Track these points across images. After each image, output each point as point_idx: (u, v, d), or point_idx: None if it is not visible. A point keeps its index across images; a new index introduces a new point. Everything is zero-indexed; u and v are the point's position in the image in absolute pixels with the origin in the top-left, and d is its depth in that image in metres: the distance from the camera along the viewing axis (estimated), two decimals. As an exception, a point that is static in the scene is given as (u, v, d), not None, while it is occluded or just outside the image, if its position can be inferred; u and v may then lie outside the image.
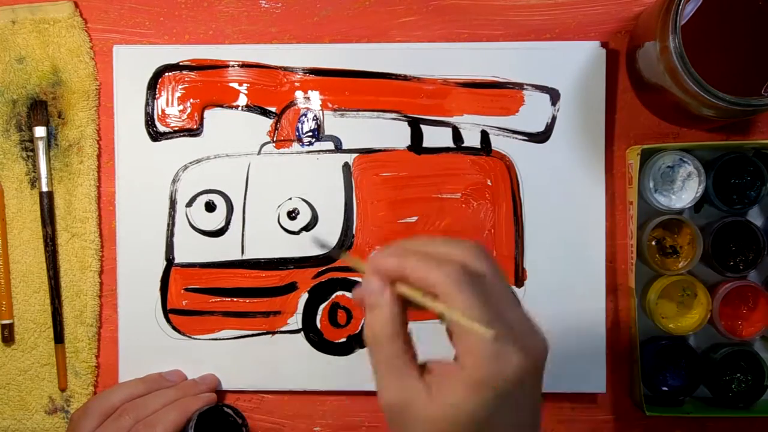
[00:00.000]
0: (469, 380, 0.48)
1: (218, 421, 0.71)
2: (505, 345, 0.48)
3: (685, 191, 0.71)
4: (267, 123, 0.74)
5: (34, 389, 0.76)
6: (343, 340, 0.74)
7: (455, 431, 0.49)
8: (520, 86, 0.74)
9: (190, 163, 0.75)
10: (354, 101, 0.74)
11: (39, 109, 0.74)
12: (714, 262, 0.71)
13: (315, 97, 0.74)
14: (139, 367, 0.75)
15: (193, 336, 0.75)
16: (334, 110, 0.74)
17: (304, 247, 0.74)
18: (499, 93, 0.74)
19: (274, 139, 0.74)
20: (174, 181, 0.75)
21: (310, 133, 0.74)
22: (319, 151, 0.74)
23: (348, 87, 0.74)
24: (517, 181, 0.73)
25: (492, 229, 0.74)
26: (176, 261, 0.75)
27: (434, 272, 0.49)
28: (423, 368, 0.51)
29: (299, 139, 0.74)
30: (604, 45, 0.73)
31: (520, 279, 0.74)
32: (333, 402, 0.76)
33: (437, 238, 0.54)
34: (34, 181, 0.75)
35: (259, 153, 0.74)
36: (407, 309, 0.52)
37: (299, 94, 0.74)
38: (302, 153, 0.74)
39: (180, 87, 0.74)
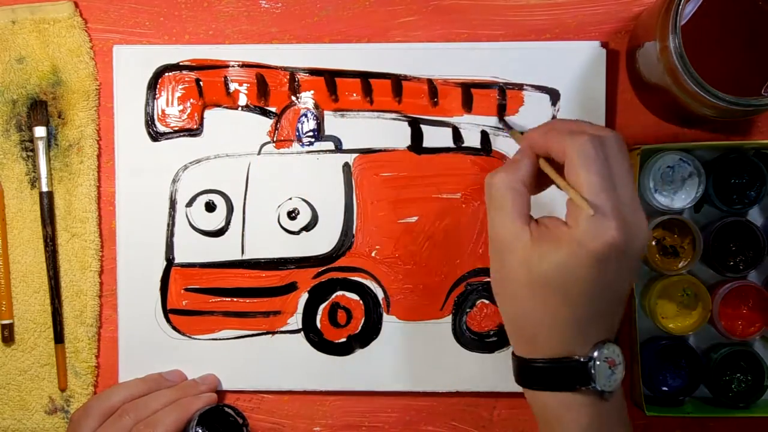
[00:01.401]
0: (567, 238, 0.55)
1: (219, 421, 0.71)
2: (607, 217, 0.55)
3: (685, 191, 0.71)
4: (267, 123, 0.74)
5: (34, 389, 0.76)
6: (343, 340, 0.74)
7: (552, 277, 0.56)
8: (519, 86, 0.73)
9: (190, 163, 0.75)
10: (354, 101, 0.74)
11: (39, 109, 0.75)
12: (714, 262, 0.71)
13: (315, 97, 0.74)
14: (139, 367, 0.75)
15: (193, 336, 0.75)
16: (334, 110, 0.74)
17: (304, 247, 0.74)
18: (499, 93, 0.73)
19: (274, 139, 0.74)
20: (174, 181, 0.75)
21: (310, 133, 0.74)
22: (319, 151, 0.74)
23: (348, 87, 0.74)
24: (518, 181, 0.74)
25: (492, 229, 0.74)
26: (176, 261, 0.75)
27: (567, 142, 0.56)
28: (536, 222, 0.58)
29: (299, 139, 0.74)
30: (604, 45, 0.73)
31: (520, 279, 0.74)
32: (333, 402, 0.76)
33: (584, 121, 0.62)
34: (34, 181, 0.75)
35: (259, 153, 0.74)
36: (539, 186, 0.62)
37: (299, 94, 0.74)
38: (302, 153, 0.74)
39: (180, 87, 0.74)
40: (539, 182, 0.61)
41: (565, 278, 0.56)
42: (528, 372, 0.60)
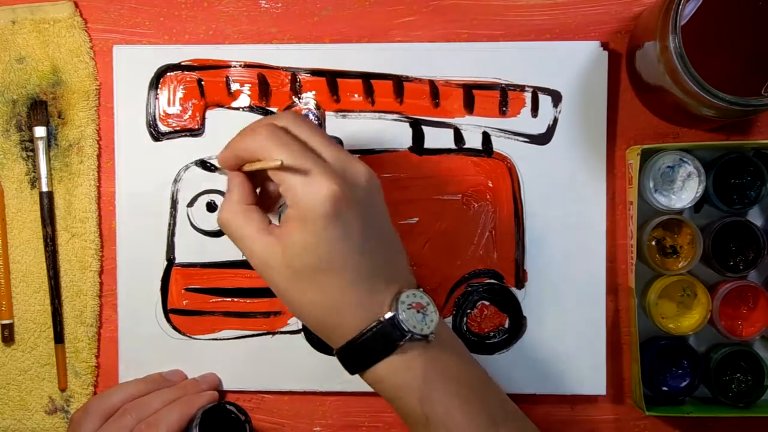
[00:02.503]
0: (296, 217, 0.57)
1: (222, 419, 0.71)
2: (313, 174, 0.56)
3: (685, 191, 0.71)
4: (268, 123, 0.74)
5: (34, 389, 0.76)
6: (344, 340, 0.74)
7: (303, 264, 0.57)
8: (521, 88, 0.73)
9: (192, 162, 0.75)
10: (355, 102, 0.74)
11: (39, 109, 0.74)
12: (714, 262, 0.71)
13: (317, 97, 0.74)
14: (139, 367, 0.75)
15: (193, 336, 0.75)
16: (336, 111, 0.74)
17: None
18: (501, 95, 0.74)
19: (276, 139, 0.74)
20: (175, 181, 0.75)
21: (312, 134, 0.74)
22: (320, 152, 0.74)
23: (349, 87, 0.74)
24: (518, 182, 0.73)
25: (493, 230, 0.74)
26: (177, 261, 0.75)
27: (248, 140, 0.58)
28: (274, 226, 0.60)
29: (300, 140, 0.74)
30: (603, 45, 0.73)
31: (521, 280, 0.74)
32: (333, 402, 0.76)
33: (262, 117, 0.66)
34: (34, 181, 0.75)
35: (260, 153, 0.74)
36: (262, 189, 0.64)
37: (301, 95, 0.74)
38: (303, 153, 0.74)
39: (182, 87, 0.74)
40: (264, 191, 0.64)
41: (321, 254, 0.57)
42: (353, 357, 0.59)
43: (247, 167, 0.60)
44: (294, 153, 0.56)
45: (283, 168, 0.56)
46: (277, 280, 0.59)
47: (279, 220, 0.65)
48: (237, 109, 0.74)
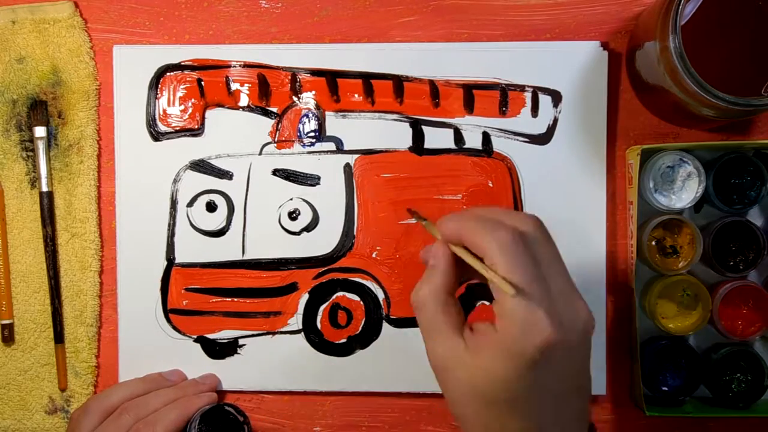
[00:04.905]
0: (501, 345, 0.51)
1: (220, 420, 0.71)
2: (537, 311, 0.50)
3: (685, 191, 0.71)
4: (268, 123, 0.74)
5: (34, 389, 0.76)
6: (344, 340, 0.74)
7: (491, 392, 0.51)
8: (521, 88, 0.74)
9: (192, 162, 0.75)
10: (355, 102, 0.74)
11: (39, 109, 0.74)
12: (714, 262, 0.71)
13: (316, 97, 0.74)
14: (139, 367, 0.75)
15: (193, 336, 0.75)
16: (336, 111, 0.74)
17: (305, 247, 0.74)
18: (501, 95, 0.74)
19: (276, 139, 0.74)
20: (175, 181, 0.75)
21: (312, 134, 0.74)
22: (320, 152, 0.74)
23: (349, 87, 0.74)
24: (518, 182, 0.74)
25: (493, 229, 0.74)
26: (177, 261, 0.75)
27: (485, 236, 0.52)
28: (470, 330, 0.54)
29: (300, 140, 0.74)
30: (603, 45, 0.73)
31: (521, 280, 0.74)
32: (333, 402, 0.76)
33: (500, 207, 0.58)
34: (34, 181, 0.75)
35: (260, 153, 0.74)
36: (461, 276, 0.56)
37: (300, 95, 0.74)
38: (303, 153, 0.74)
39: (182, 87, 0.74)
40: (461, 271, 0.56)
41: (516, 395, 0.51)
42: None
43: (470, 261, 0.53)
44: (527, 276, 0.50)
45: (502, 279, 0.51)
46: (453, 387, 0.54)
47: None
48: (237, 108, 0.74)
